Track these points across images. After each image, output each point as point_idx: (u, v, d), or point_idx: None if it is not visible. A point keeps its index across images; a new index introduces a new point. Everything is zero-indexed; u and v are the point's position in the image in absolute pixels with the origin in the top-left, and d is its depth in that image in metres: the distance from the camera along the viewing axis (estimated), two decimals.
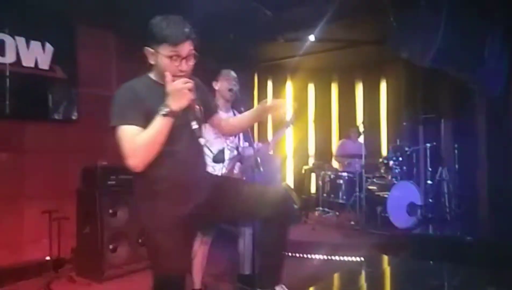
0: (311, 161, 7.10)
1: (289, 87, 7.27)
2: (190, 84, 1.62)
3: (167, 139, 1.62)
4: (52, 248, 3.76)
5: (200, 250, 3.03)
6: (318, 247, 4.42)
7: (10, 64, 3.64)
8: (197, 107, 1.69)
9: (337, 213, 5.53)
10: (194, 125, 1.64)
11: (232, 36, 4.69)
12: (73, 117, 4.13)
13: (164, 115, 1.57)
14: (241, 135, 3.21)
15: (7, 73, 3.62)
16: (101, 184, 3.73)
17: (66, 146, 4.10)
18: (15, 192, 3.75)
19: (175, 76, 1.63)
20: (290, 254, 4.35)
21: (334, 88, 7.16)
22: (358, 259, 3.99)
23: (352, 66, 6.74)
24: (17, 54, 3.69)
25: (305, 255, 4.36)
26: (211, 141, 2.94)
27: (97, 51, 4.37)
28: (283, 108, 1.97)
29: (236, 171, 3.06)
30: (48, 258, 3.78)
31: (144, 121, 1.61)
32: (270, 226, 1.96)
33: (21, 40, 3.71)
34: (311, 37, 4.95)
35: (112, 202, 3.76)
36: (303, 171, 6.76)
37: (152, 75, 1.78)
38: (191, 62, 1.69)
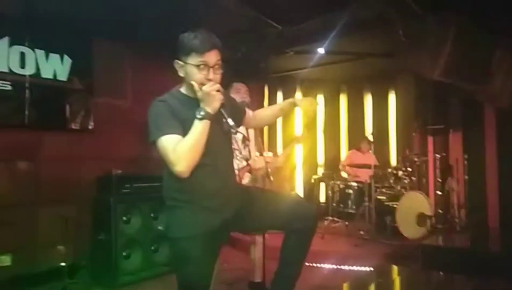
0: (320, 170, 7.15)
1: (298, 98, 7.36)
2: (218, 86, 1.69)
3: None
4: (67, 254, 3.85)
5: None
6: (327, 256, 4.44)
7: (30, 76, 3.78)
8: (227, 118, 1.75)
9: (347, 222, 5.55)
10: (231, 122, 1.72)
11: (243, 49, 4.79)
12: (90, 127, 4.24)
13: (201, 118, 1.64)
14: (252, 146, 3.29)
15: (27, 85, 3.76)
16: (115, 192, 3.83)
17: (83, 155, 4.21)
18: (32, 199, 3.85)
19: (202, 85, 1.69)
20: None
21: (343, 99, 7.23)
22: (367, 269, 4.02)
23: (361, 78, 6.81)
24: (37, 66, 3.83)
25: (314, 264, 4.39)
26: None
27: (112, 63, 4.51)
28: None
29: (245, 181, 3.12)
30: (63, 264, 3.87)
31: (182, 132, 1.66)
32: (296, 238, 1.98)
33: (40, 53, 3.85)
34: (321, 50, 5.03)
35: (126, 210, 3.85)
36: (312, 181, 6.81)
37: (182, 90, 1.84)
38: (218, 72, 1.75)
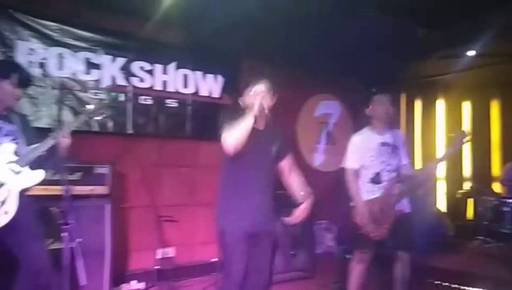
0: (467, 185, 6.48)
1: (440, 106, 6.83)
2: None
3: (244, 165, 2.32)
4: (219, 251, 4.30)
5: (356, 268, 3.12)
6: (479, 279, 4.03)
7: (191, 94, 4.40)
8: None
9: (501, 243, 4.94)
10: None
11: (380, 56, 4.70)
12: None
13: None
14: (403, 154, 3.17)
15: (189, 102, 4.38)
16: None
17: None
18: (190, 200, 4.44)
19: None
20: (445, 283, 4.10)
21: (495, 106, 6.44)
22: None
23: None
24: (196, 85, 4.44)
25: (463, 287, 4.03)
26: (367, 164, 3.04)
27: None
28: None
29: (395, 191, 3.04)
30: (215, 260, 4.35)
31: None
32: None
33: (199, 74, 4.46)
34: (471, 53, 4.62)
35: None
36: (457, 196, 6.22)
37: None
38: (269, 100, 2.36)
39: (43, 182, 2.39)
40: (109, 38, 3.90)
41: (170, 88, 4.25)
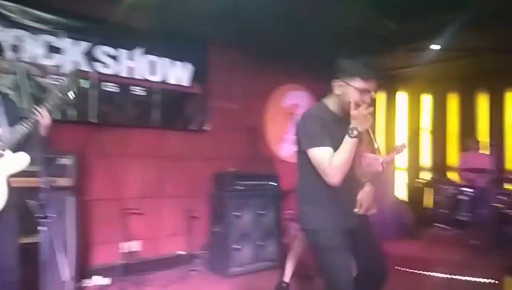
0: (425, 174, 6.78)
1: (400, 98, 7.06)
2: (372, 109, 1.86)
3: None
4: (186, 244, 4.23)
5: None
6: (437, 264, 4.24)
7: (159, 82, 4.24)
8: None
9: (457, 230, 5.22)
10: (376, 145, 1.97)
11: (346, 49, 4.74)
12: (206, 128, 4.61)
13: (353, 137, 1.82)
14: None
15: (156, 90, 4.22)
16: (229, 188, 4.11)
17: (200, 154, 4.58)
18: (157, 192, 4.30)
19: (357, 105, 1.86)
20: (405, 269, 4.27)
21: (453, 99, 6.75)
22: (488, 281, 3.75)
23: (474, 76, 6.28)
24: (165, 73, 4.28)
25: (422, 272, 4.22)
26: None
27: (226, 68, 4.83)
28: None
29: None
30: (182, 252, 4.27)
31: (331, 145, 1.88)
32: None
33: (167, 61, 4.29)
34: (435, 46, 4.77)
35: (239, 205, 4.10)
36: (417, 185, 6.50)
37: (330, 105, 2.05)
38: (372, 96, 1.95)
39: (21, 174, 2.22)
40: (71, 20, 3.65)
41: (137, 75, 4.07)
